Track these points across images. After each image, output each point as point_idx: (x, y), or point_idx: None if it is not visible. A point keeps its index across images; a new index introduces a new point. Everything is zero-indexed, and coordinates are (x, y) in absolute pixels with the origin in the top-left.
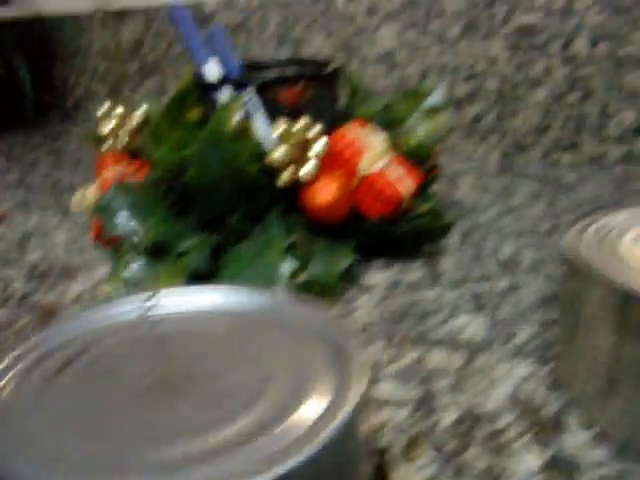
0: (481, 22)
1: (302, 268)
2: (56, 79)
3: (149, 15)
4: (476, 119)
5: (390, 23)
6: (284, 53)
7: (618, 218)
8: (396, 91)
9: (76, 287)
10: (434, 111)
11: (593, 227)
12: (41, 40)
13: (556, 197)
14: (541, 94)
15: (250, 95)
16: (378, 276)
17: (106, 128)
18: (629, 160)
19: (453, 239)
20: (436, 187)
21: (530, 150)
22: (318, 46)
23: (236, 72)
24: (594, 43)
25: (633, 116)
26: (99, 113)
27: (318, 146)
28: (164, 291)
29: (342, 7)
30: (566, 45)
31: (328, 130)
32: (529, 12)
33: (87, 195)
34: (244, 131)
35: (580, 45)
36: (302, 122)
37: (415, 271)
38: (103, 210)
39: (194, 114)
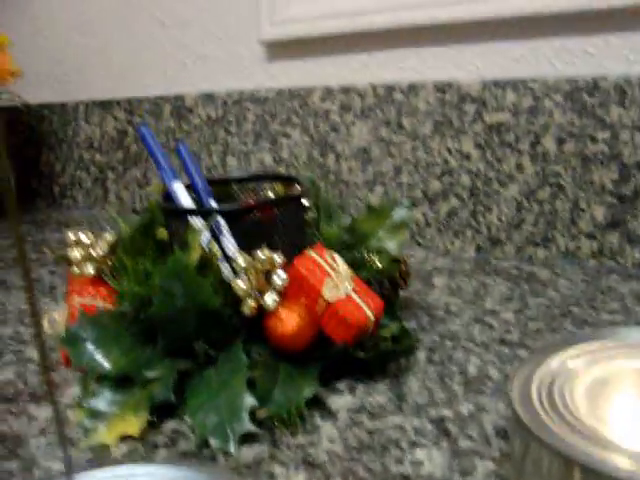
0: (452, 120)
1: (263, 403)
2: (43, 166)
3: (132, 105)
4: (450, 214)
5: (364, 120)
6: (261, 147)
7: (572, 355)
8: (371, 187)
9: (44, 413)
10: (399, 227)
11: (544, 369)
12: (29, 128)
13: (528, 300)
14: (513, 190)
15: (216, 220)
16: (342, 400)
17: (75, 254)
18: (601, 254)
19: (420, 354)
20: (410, 289)
21: (504, 245)
22: (295, 141)
23: (203, 188)
24: (562, 141)
25: (603, 212)
26: (69, 237)
27: (279, 278)
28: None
29: (317, 104)
30: (535, 143)
31: (293, 251)
32: (498, 111)
33: (57, 319)
34: (208, 262)
35: (548, 143)
36: (265, 252)
37: (379, 394)
38: (69, 341)
39: (161, 234)
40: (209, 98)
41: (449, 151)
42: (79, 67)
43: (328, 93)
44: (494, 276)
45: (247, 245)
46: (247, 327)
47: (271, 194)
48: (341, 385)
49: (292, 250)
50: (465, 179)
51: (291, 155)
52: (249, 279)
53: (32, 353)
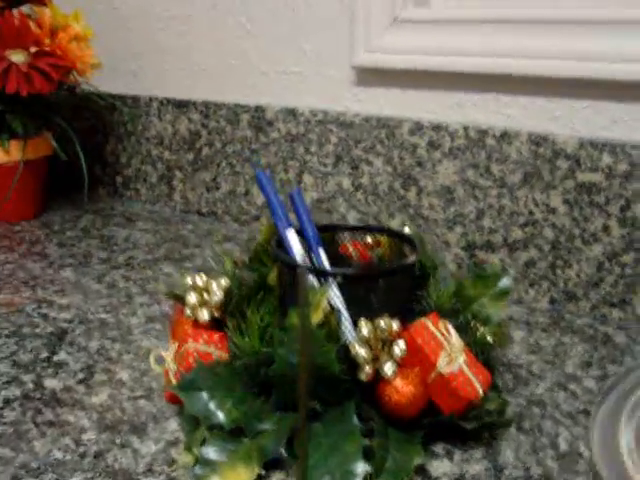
0: (543, 173)
1: (376, 470)
2: (108, 155)
3: (209, 109)
4: (528, 264)
5: (451, 160)
6: (341, 170)
7: None
8: (450, 226)
9: (147, 449)
10: (502, 295)
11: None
12: (96, 115)
13: (607, 367)
14: (596, 249)
15: (333, 286)
16: (442, 466)
17: (192, 299)
18: None
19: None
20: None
21: (579, 301)
22: (377, 169)
23: (313, 236)
24: None
25: None
26: (187, 281)
27: (398, 349)
28: None
29: (405, 136)
30: (625, 207)
31: (403, 314)
32: (591, 171)
33: (166, 358)
34: (327, 323)
35: (639, 210)
36: (385, 320)
37: (477, 463)
38: (185, 388)
39: (271, 280)
40: (291, 113)
41: (535, 203)
42: (157, 63)
43: (418, 128)
44: (571, 334)
45: (360, 307)
46: (361, 391)
47: (369, 239)
48: (437, 448)
49: (402, 313)
50: (548, 232)
51: (371, 183)
52: (370, 347)
53: (123, 374)
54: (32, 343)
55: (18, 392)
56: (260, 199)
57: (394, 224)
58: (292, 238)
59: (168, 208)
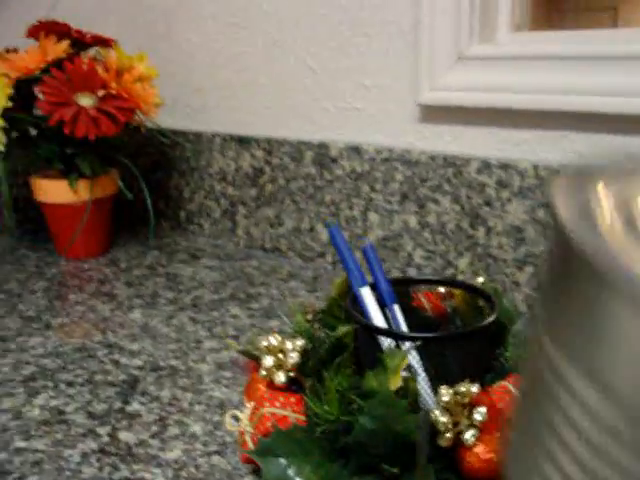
0: None
1: None
2: (171, 190)
3: (272, 145)
4: None
5: (521, 199)
6: (407, 208)
7: None
8: (520, 266)
9: None
10: None
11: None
12: (159, 151)
13: None
14: None
15: (412, 350)
16: None
17: (268, 362)
18: None
19: None
20: None
21: None
22: (445, 208)
23: (387, 291)
24: None
25: None
26: (262, 344)
27: (480, 415)
28: None
29: (473, 175)
30: None
31: (479, 373)
32: None
33: (241, 418)
34: (406, 391)
35: None
36: (466, 384)
37: None
38: (262, 453)
39: (348, 339)
40: (355, 151)
41: None
42: (219, 99)
43: (485, 167)
44: None
45: (437, 368)
46: (439, 456)
47: (442, 290)
48: None
49: (480, 373)
50: None
51: (438, 222)
52: (450, 413)
53: (196, 427)
54: (105, 392)
55: (95, 445)
56: (325, 236)
57: (462, 263)
58: (367, 297)
59: (232, 243)
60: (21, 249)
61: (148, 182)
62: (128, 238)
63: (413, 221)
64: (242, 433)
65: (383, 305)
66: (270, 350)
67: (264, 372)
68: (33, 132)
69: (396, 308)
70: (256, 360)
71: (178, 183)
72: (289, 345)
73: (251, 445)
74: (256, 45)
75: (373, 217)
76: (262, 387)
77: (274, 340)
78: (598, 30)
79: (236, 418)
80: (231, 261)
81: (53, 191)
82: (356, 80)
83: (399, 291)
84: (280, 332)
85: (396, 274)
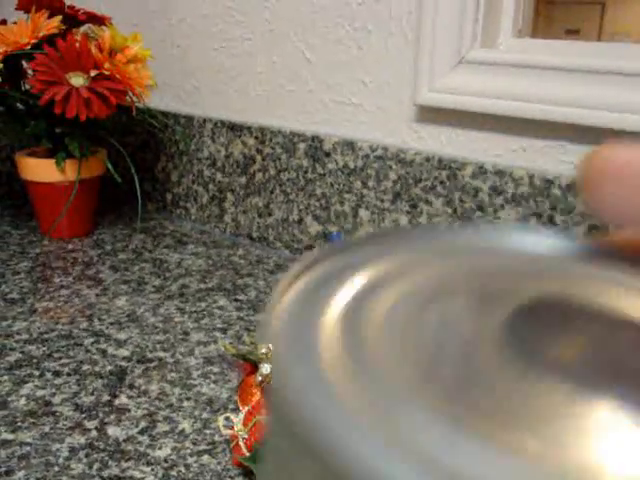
0: (609, 227)
1: None
2: (158, 172)
3: (264, 135)
4: None
5: (514, 207)
6: (399, 207)
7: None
8: None
9: None
10: None
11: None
12: (148, 132)
13: None
14: None
15: None
16: None
17: (266, 370)
18: None
19: None
20: None
21: None
22: (437, 210)
23: None
24: None
25: None
26: (260, 350)
27: None
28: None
29: (467, 179)
30: None
31: None
32: None
33: (236, 423)
34: None
35: None
36: None
37: None
38: (255, 460)
39: None
40: (349, 146)
41: None
42: (212, 84)
43: (480, 172)
44: None
45: None
46: None
47: None
48: None
49: None
50: None
51: (430, 223)
52: None
53: (185, 424)
54: (93, 384)
55: (83, 440)
56: (313, 228)
57: None
58: None
59: (218, 230)
60: (3, 225)
61: (135, 163)
62: (113, 219)
63: (404, 220)
64: (234, 437)
65: None
66: (269, 358)
67: (260, 378)
68: (21, 107)
69: None
70: (252, 363)
71: (166, 166)
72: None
73: (245, 450)
74: (253, 32)
75: (364, 214)
76: (257, 391)
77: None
78: (603, 43)
79: (227, 419)
80: (218, 248)
81: (39, 170)
82: (354, 75)
83: None
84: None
85: None
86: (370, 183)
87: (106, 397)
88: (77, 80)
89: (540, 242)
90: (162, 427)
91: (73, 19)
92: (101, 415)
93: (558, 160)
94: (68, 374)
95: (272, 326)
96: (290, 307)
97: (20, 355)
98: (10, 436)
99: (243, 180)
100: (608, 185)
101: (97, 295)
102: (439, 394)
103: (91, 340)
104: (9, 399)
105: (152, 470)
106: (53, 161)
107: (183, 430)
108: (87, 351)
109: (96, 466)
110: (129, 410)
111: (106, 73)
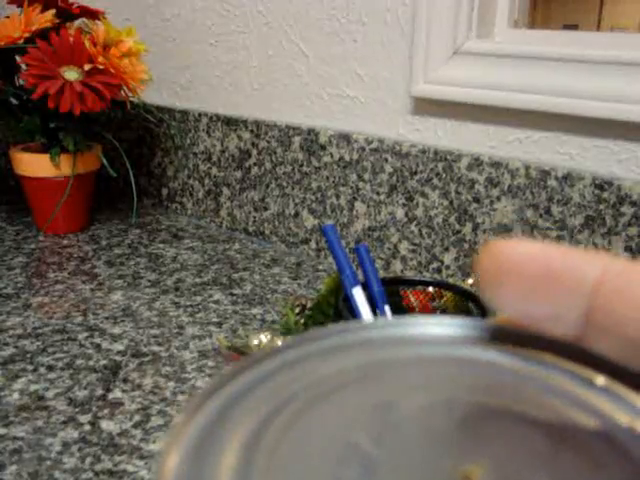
0: (606, 218)
1: None
2: (154, 167)
3: (260, 128)
4: None
5: (510, 198)
6: (395, 200)
7: None
8: None
9: None
10: None
11: None
12: (144, 127)
13: None
14: None
15: None
16: None
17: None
18: None
19: None
20: None
21: None
22: (433, 202)
23: (378, 291)
24: None
25: None
26: (252, 341)
27: None
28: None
29: (463, 171)
30: None
31: None
32: None
33: None
34: None
35: None
36: None
37: None
38: None
39: None
40: (345, 139)
41: (596, 247)
42: (208, 78)
43: (476, 163)
44: None
45: None
46: None
47: (431, 289)
48: None
49: None
50: None
51: (426, 216)
52: None
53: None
54: (86, 378)
55: (76, 434)
56: (309, 222)
57: (448, 258)
58: (359, 298)
59: (214, 224)
60: None
61: (130, 158)
62: (108, 214)
63: (400, 213)
64: None
65: (373, 303)
66: (260, 347)
67: None
68: (14, 102)
69: (387, 309)
70: (243, 354)
71: (161, 161)
72: (280, 343)
73: None
74: (248, 25)
75: (360, 207)
76: None
77: (264, 338)
78: (599, 33)
79: None
80: (213, 243)
81: (34, 165)
82: (349, 68)
83: (388, 290)
84: (263, 321)
85: (380, 265)
86: (366, 176)
87: (100, 391)
88: (71, 74)
89: (444, 332)
90: (156, 421)
91: (67, 13)
92: (94, 409)
93: (554, 151)
94: (62, 369)
95: (167, 468)
96: (188, 445)
97: (14, 350)
98: (2, 430)
99: (239, 174)
100: (505, 280)
101: (92, 290)
102: None
103: (85, 335)
104: (2, 394)
105: (145, 464)
106: (48, 156)
107: None
108: (81, 345)
109: (89, 460)
110: (123, 404)
111: (100, 67)
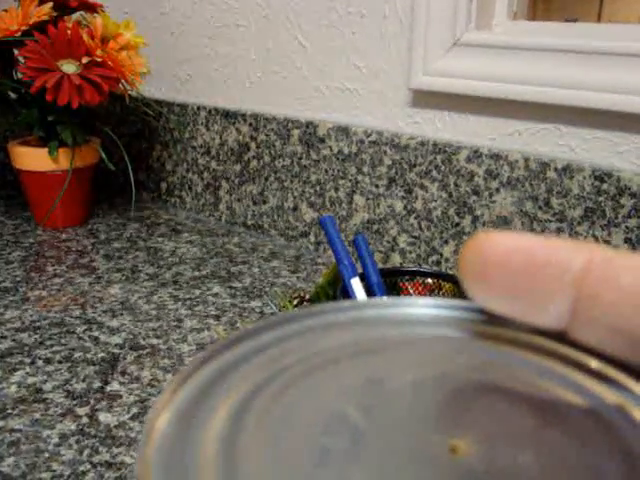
0: (605, 210)
1: None
2: (153, 161)
3: (258, 122)
4: None
5: (509, 190)
6: (394, 193)
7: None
8: None
9: None
10: None
11: None
12: (142, 121)
13: None
14: None
15: None
16: None
17: None
18: None
19: None
20: None
21: None
22: (432, 195)
23: (377, 283)
24: None
25: None
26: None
27: None
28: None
29: (462, 163)
30: None
31: None
32: None
33: None
34: None
35: None
36: None
37: None
38: None
39: None
40: (344, 132)
41: (595, 239)
42: (205, 71)
43: (476, 156)
44: None
45: None
46: None
47: (430, 281)
48: None
49: None
50: None
51: (425, 208)
52: None
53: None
54: (84, 371)
55: (74, 426)
56: (308, 215)
57: (447, 250)
58: (357, 288)
59: (213, 218)
60: None
61: (129, 152)
62: (107, 209)
63: (399, 206)
64: None
65: (372, 295)
66: None
67: None
68: (12, 95)
69: None
70: None
71: (160, 155)
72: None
73: None
74: (246, 18)
75: (359, 200)
76: None
77: None
78: (598, 24)
79: None
80: (212, 237)
81: (32, 159)
82: (348, 60)
83: (387, 283)
84: (262, 314)
85: (379, 258)
86: (365, 169)
87: (98, 384)
88: (69, 67)
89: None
90: None
91: (64, 6)
92: (92, 402)
93: (554, 143)
94: (59, 361)
95: (146, 454)
96: (166, 430)
97: (12, 343)
98: (0, 423)
99: (238, 168)
100: (489, 273)
101: (90, 283)
102: None
103: (83, 328)
104: (0, 386)
105: None
106: (46, 150)
107: None
108: (79, 338)
109: (87, 452)
110: (120, 396)
111: (98, 60)
